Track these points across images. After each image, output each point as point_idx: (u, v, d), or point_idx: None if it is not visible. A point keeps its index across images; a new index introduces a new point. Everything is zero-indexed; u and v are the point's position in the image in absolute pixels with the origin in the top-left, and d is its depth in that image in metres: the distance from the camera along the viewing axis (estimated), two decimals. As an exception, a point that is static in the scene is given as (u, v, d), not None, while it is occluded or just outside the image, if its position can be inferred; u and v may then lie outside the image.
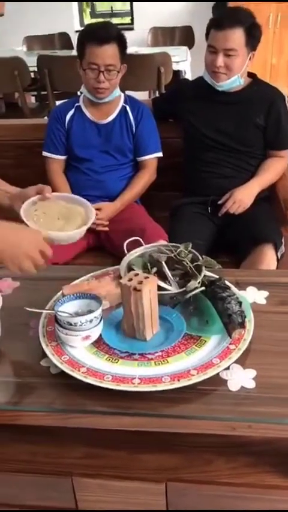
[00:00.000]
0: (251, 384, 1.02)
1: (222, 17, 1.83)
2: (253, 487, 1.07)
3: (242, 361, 1.06)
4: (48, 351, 1.11)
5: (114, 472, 1.11)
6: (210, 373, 1.02)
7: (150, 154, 2.00)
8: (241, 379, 1.03)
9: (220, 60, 1.80)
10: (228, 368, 1.05)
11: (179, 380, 1.01)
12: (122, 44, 1.84)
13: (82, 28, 1.94)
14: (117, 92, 1.94)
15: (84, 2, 5.76)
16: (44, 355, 1.11)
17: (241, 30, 1.76)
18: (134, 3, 5.35)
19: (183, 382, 1.00)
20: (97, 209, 1.87)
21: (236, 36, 1.77)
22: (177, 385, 1.00)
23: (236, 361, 1.06)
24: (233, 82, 1.86)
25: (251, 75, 1.97)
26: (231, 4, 4.50)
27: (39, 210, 1.23)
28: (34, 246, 1.07)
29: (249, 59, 1.84)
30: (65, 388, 1.05)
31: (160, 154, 2.01)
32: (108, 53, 1.80)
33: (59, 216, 1.24)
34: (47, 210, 1.24)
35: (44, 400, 1.03)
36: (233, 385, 1.02)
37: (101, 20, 5.44)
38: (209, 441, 1.10)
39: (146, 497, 1.11)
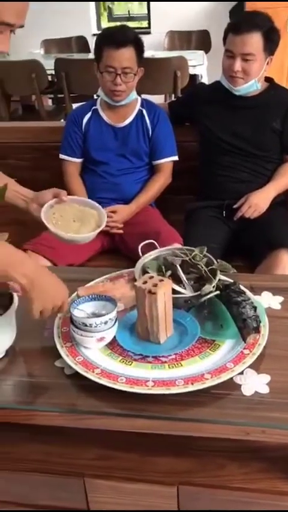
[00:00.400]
0: (265, 389, 1.01)
1: (240, 21, 1.83)
2: (266, 492, 1.06)
3: (256, 366, 1.06)
4: (62, 351, 1.11)
5: (127, 474, 1.11)
6: (224, 377, 1.02)
7: (166, 158, 2.00)
8: (255, 384, 1.02)
9: (238, 64, 1.79)
10: (242, 373, 1.04)
11: (192, 384, 1.01)
12: (139, 47, 1.85)
13: (99, 32, 1.96)
14: (134, 95, 1.95)
15: (102, 7, 5.80)
16: (59, 356, 1.11)
17: (259, 35, 1.76)
18: (151, 7, 5.36)
19: (197, 386, 1.00)
20: (112, 211, 1.88)
21: (254, 41, 1.76)
22: (190, 388, 1.00)
23: (250, 366, 1.05)
24: (250, 87, 1.85)
25: (268, 79, 1.96)
26: (248, 7, 4.52)
27: (57, 213, 1.30)
28: (60, 297, 1.09)
29: (267, 63, 1.84)
30: (79, 389, 1.05)
31: (176, 158, 2.02)
32: (125, 56, 1.81)
33: (75, 219, 1.31)
34: (63, 213, 1.31)
35: (58, 400, 1.04)
36: (247, 390, 1.01)
37: (118, 23, 5.48)
38: (222, 445, 1.09)
39: (158, 500, 1.11)
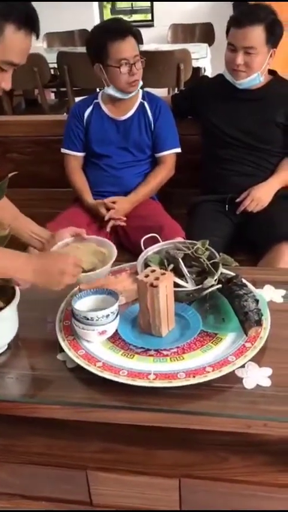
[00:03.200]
0: (266, 382, 1.01)
1: (241, 14, 1.81)
2: (268, 485, 1.06)
3: (257, 359, 1.06)
4: (64, 345, 1.12)
5: (129, 467, 1.11)
6: (226, 370, 1.02)
7: (169, 150, 1.99)
8: (257, 377, 1.03)
9: (240, 58, 1.78)
10: (243, 366, 1.05)
11: (194, 377, 1.01)
12: (137, 34, 1.86)
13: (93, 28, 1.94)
14: (141, 82, 1.93)
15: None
16: (61, 349, 1.12)
17: (261, 28, 1.74)
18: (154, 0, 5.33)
19: (199, 379, 1.01)
20: (112, 202, 1.88)
21: (256, 34, 1.75)
22: (192, 381, 1.00)
23: (252, 359, 1.06)
24: (253, 80, 1.84)
25: (271, 72, 1.95)
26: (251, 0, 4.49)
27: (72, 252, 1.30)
28: (63, 263, 1.13)
29: (270, 56, 1.82)
30: (81, 382, 1.06)
31: (178, 150, 2.01)
32: (131, 44, 1.81)
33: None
34: (77, 252, 1.31)
35: (60, 393, 1.04)
36: (249, 383, 1.01)
37: (121, 16, 5.46)
38: (224, 439, 1.09)
39: (160, 493, 1.12)
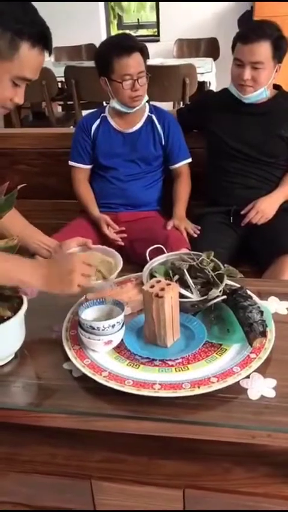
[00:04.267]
0: (271, 393, 1.02)
1: (248, 30, 1.85)
2: (271, 497, 1.06)
3: (262, 370, 1.07)
4: (70, 354, 1.13)
5: (133, 476, 1.12)
6: (231, 381, 1.03)
7: (183, 161, 2.05)
8: (261, 388, 1.03)
9: (247, 73, 1.81)
10: (248, 377, 1.05)
11: (199, 387, 1.02)
12: (144, 50, 1.90)
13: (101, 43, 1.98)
14: (146, 97, 1.97)
15: (112, 15, 5.86)
16: (67, 359, 1.13)
17: (268, 43, 1.78)
18: (161, 15, 5.40)
19: (203, 389, 1.01)
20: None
21: (263, 49, 1.78)
22: (197, 391, 1.01)
23: (257, 370, 1.06)
24: (260, 94, 1.87)
25: (276, 86, 1.98)
26: (256, 15, 4.54)
27: None
28: (71, 262, 1.14)
29: (276, 71, 1.86)
30: (86, 391, 1.07)
31: (190, 160, 2.07)
32: (137, 61, 1.85)
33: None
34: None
35: (66, 402, 1.05)
36: (253, 394, 1.02)
37: (128, 31, 5.54)
38: (228, 449, 1.10)
39: (164, 503, 1.12)
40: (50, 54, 1.07)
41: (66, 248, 1.40)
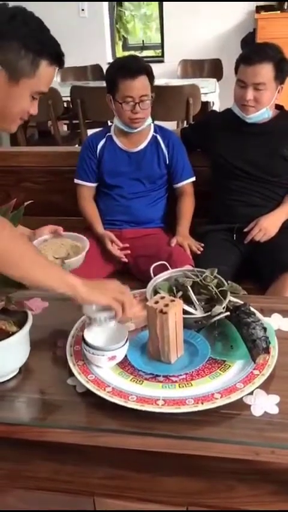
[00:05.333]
0: (274, 410, 1.02)
1: (251, 52, 1.89)
2: (275, 515, 1.05)
3: (265, 386, 1.07)
4: (75, 369, 1.13)
5: (136, 493, 1.11)
6: (234, 397, 1.03)
7: (187, 180, 2.08)
8: (265, 404, 1.03)
9: (250, 94, 1.85)
10: (251, 393, 1.05)
11: (202, 403, 1.02)
12: (150, 74, 1.93)
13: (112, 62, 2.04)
14: (149, 120, 2.00)
15: (117, 36, 5.97)
16: (71, 374, 1.13)
17: (270, 65, 1.82)
18: (165, 37, 5.50)
19: (207, 405, 1.02)
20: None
21: (265, 71, 1.82)
22: (200, 408, 1.01)
23: (260, 387, 1.06)
24: (262, 114, 1.90)
25: (278, 107, 2.01)
26: (259, 37, 4.63)
27: (48, 247, 1.48)
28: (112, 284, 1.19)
29: (278, 91, 1.89)
30: (90, 407, 1.07)
31: (194, 178, 2.10)
32: (141, 84, 1.88)
33: (55, 254, 1.47)
34: (54, 246, 1.49)
35: (70, 418, 1.05)
36: (257, 410, 1.02)
37: (132, 52, 5.64)
38: (232, 467, 1.09)
39: (167, 522, 1.11)
40: (60, 68, 1.16)
41: (39, 235, 1.50)
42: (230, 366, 1.14)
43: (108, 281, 1.21)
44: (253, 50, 1.94)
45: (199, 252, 1.92)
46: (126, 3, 6.06)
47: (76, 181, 2.08)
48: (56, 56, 1.11)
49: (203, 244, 1.95)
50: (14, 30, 1.04)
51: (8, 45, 1.04)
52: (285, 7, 4.79)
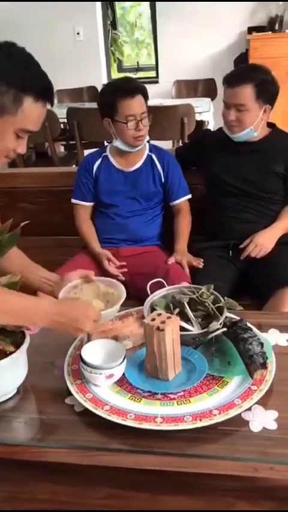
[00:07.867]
0: (273, 425, 1.02)
1: (232, 75, 1.95)
2: (276, 533, 1.04)
3: (263, 402, 1.07)
4: (72, 388, 1.14)
5: (136, 513, 1.10)
6: (232, 413, 1.03)
7: (183, 197, 2.10)
8: (263, 420, 1.04)
9: (232, 115, 1.90)
10: (250, 409, 1.06)
11: (200, 420, 1.02)
12: (145, 93, 1.98)
13: (104, 85, 2.08)
14: (147, 137, 2.03)
15: (112, 58, 6.07)
16: (69, 393, 1.13)
17: (249, 87, 1.85)
18: (159, 58, 5.60)
19: (205, 422, 1.02)
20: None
21: (245, 92, 1.86)
22: (199, 424, 1.01)
23: (258, 402, 1.07)
24: (246, 134, 1.94)
25: (270, 125, 2.04)
26: (251, 57, 4.71)
27: (79, 294, 1.35)
28: (86, 309, 1.16)
29: (264, 111, 1.92)
30: (89, 425, 1.07)
31: (190, 196, 2.12)
32: (139, 102, 1.93)
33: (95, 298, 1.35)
34: (85, 294, 1.36)
35: (68, 437, 1.05)
36: (255, 426, 1.02)
37: (127, 74, 5.73)
38: (231, 484, 1.08)
39: None
40: (51, 105, 1.11)
41: (68, 281, 1.38)
42: (227, 382, 1.14)
43: (77, 307, 1.18)
44: (234, 72, 2.01)
45: (200, 266, 1.92)
46: (120, 28, 6.18)
47: (73, 201, 2.10)
48: (42, 92, 1.06)
49: (202, 260, 1.96)
50: None
51: None
52: (276, 28, 4.89)
